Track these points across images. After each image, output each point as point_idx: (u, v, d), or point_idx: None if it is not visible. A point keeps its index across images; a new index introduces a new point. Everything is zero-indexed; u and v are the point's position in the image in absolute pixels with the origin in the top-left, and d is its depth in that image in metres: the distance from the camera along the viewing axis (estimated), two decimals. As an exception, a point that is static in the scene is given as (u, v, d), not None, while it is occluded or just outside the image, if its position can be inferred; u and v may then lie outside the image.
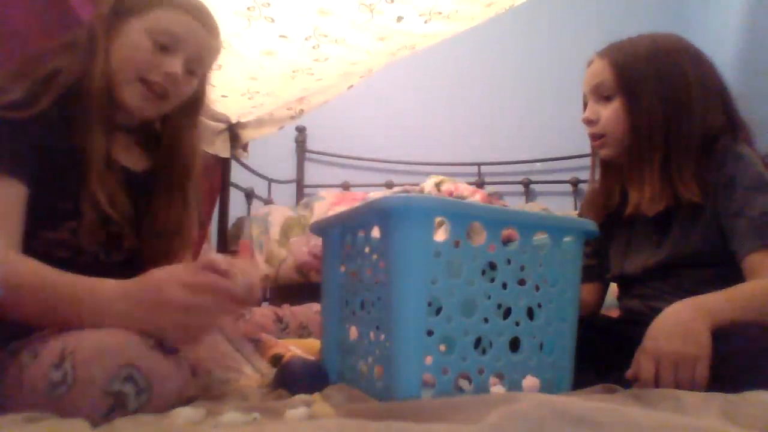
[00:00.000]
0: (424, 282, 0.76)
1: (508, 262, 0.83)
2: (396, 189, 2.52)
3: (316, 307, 1.46)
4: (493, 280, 0.82)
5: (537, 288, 0.85)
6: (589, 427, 0.53)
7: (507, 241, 0.84)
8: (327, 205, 2.37)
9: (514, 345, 0.83)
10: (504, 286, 0.82)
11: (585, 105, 1.18)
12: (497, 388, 0.82)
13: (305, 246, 2.20)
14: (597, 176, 1.22)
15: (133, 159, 1.06)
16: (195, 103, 1.10)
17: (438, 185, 2.45)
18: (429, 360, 0.77)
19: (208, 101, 1.14)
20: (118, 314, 0.75)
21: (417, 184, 2.53)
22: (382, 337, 0.80)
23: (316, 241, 2.19)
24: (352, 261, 0.92)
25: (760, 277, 0.94)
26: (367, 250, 0.86)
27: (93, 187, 0.91)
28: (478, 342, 0.81)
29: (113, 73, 0.95)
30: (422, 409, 0.67)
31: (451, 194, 2.34)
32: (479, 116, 3.04)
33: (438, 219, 0.78)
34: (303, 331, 1.39)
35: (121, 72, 0.96)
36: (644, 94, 1.07)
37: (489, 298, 0.81)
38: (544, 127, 2.89)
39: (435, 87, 3.06)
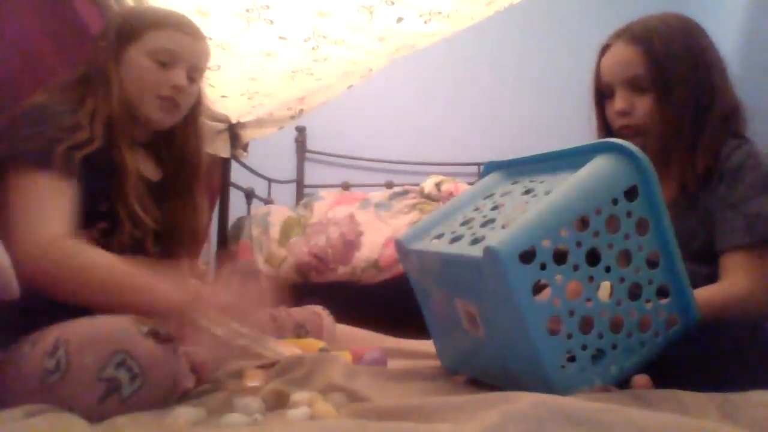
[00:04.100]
0: (587, 202, 0.78)
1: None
2: (396, 189, 2.52)
3: (313, 308, 1.45)
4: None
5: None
6: (589, 427, 0.53)
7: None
8: (327, 205, 2.37)
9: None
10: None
11: (599, 92, 1.15)
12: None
13: (305, 246, 2.19)
14: None
15: (148, 170, 1.14)
16: (195, 107, 1.19)
17: (438, 185, 2.44)
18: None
19: (207, 102, 1.23)
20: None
21: (417, 184, 2.53)
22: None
23: (316, 241, 2.19)
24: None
25: (730, 279, 0.96)
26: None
27: (129, 196, 1.02)
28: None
29: (132, 96, 1.06)
30: (422, 409, 0.67)
31: (451, 194, 2.33)
32: (479, 116, 3.04)
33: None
34: (300, 330, 1.39)
35: (138, 93, 1.07)
36: (678, 86, 1.05)
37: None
38: (543, 126, 2.89)
39: (435, 87, 3.06)
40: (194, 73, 1.12)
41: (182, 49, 1.08)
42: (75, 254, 0.90)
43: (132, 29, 1.07)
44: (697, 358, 0.87)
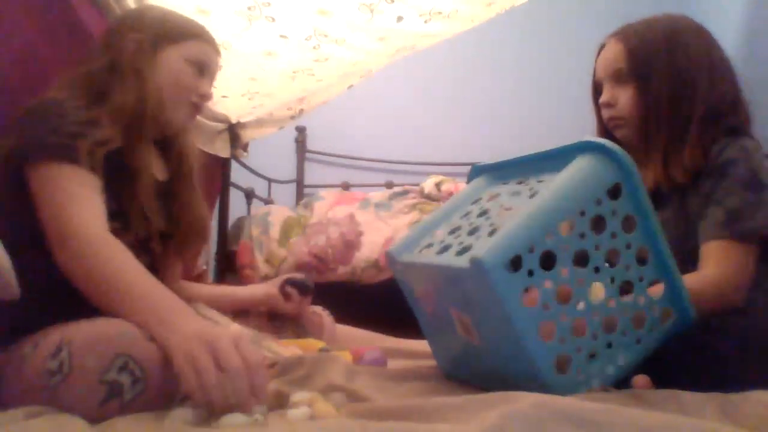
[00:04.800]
0: (570, 204, 0.77)
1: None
2: (396, 189, 2.52)
3: (313, 308, 1.45)
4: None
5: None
6: (589, 427, 0.53)
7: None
8: (327, 205, 2.37)
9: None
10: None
11: (595, 89, 1.18)
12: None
13: (305, 246, 2.19)
14: None
15: (158, 169, 1.14)
16: None
17: (438, 185, 2.44)
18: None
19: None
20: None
21: (417, 184, 2.53)
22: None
23: (316, 241, 2.19)
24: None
25: (707, 267, 0.97)
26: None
27: (140, 197, 1.01)
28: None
29: (165, 95, 1.07)
30: (422, 409, 0.67)
31: (451, 194, 2.34)
32: (479, 116, 3.04)
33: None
34: (300, 330, 1.39)
35: (173, 93, 1.08)
36: (654, 77, 1.08)
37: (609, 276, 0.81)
38: (543, 126, 2.89)
39: (435, 87, 3.06)
40: (212, 84, 1.18)
41: (210, 62, 1.13)
42: (116, 257, 0.85)
43: (174, 31, 1.10)
44: (697, 358, 0.87)
